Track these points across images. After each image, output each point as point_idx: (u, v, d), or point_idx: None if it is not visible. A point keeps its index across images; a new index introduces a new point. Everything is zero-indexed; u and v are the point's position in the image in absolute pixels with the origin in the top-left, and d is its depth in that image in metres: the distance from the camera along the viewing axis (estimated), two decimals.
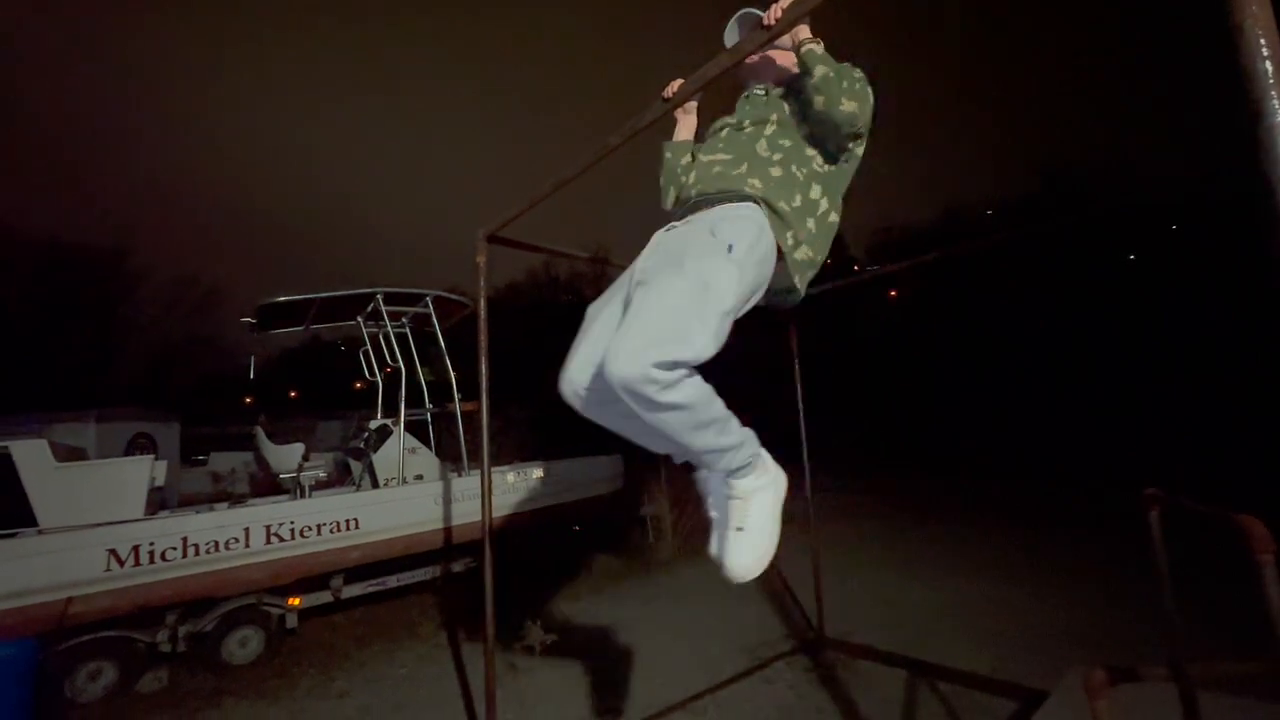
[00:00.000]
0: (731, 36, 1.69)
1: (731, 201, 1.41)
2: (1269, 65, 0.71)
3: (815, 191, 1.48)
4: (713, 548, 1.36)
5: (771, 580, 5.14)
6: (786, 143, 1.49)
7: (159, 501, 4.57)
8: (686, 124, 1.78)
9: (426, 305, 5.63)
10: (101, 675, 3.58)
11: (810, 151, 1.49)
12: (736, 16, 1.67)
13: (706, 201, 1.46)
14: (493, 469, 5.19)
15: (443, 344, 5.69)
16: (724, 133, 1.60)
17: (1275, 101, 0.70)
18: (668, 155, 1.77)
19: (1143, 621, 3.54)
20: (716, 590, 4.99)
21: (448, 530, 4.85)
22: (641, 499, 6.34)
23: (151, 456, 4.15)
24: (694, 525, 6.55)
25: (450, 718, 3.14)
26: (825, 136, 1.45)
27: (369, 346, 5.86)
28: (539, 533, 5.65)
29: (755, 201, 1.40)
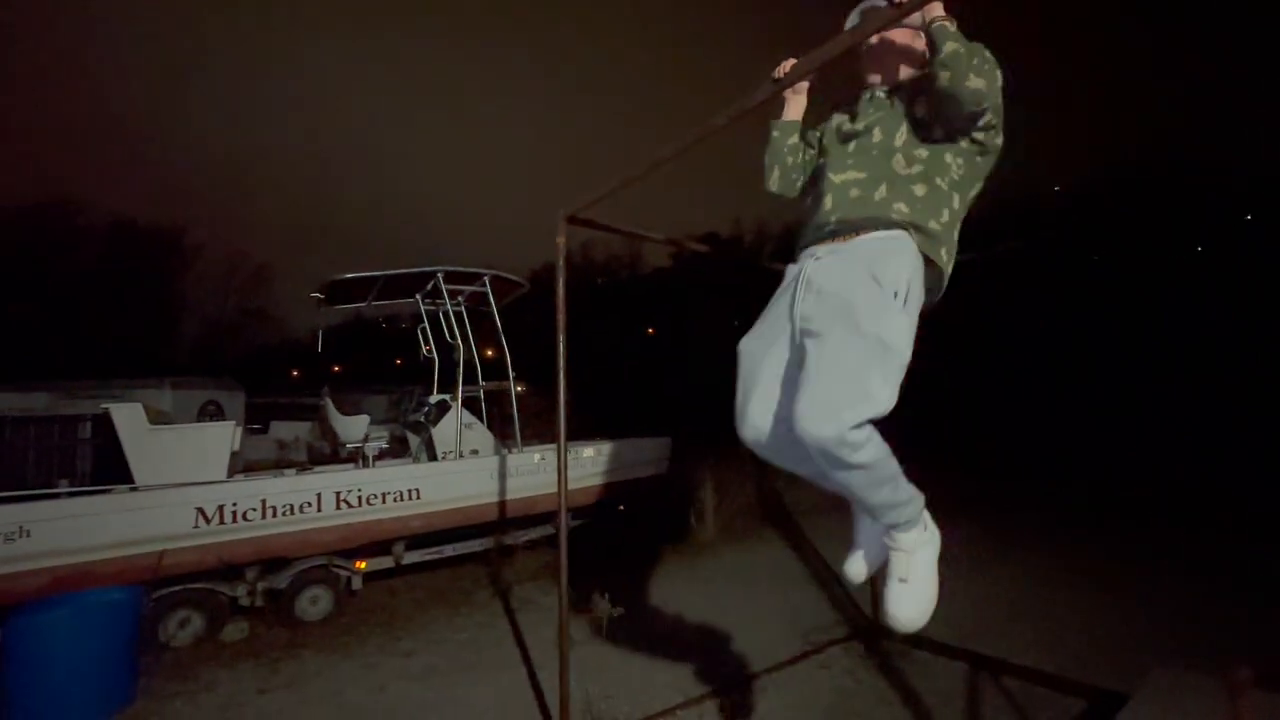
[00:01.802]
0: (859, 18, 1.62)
1: (880, 229, 1.40)
2: None
3: (956, 201, 1.46)
4: (852, 570, 1.50)
5: (816, 566, 5.15)
6: (923, 152, 1.43)
7: (232, 466, 4.84)
8: (796, 104, 1.74)
9: (484, 284, 5.74)
10: (190, 623, 3.84)
11: (949, 158, 1.43)
12: (860, 8, 1.60)
13: (851, 229, 1.43)
14: (545, 448, 5.30)
15: (499, 323, 5.80)
16: (851, 145, 1.53)
17: None
18: (775, 134, 1.74)
19: (1207, 629, 3.43)
20: (763, 574, 5.03)
21: (502, 504, 5.00)
22: (688, 481, 6.39)
23: (233, 423, 4.39)
24: (735, 509, 6.59)
25: (517, 681, 3.26)
26: (954, 120, 1.38)
27: (427, 324, 6.02)
28: (589, 510, 5.76)
29: (904, 228, 1.39)
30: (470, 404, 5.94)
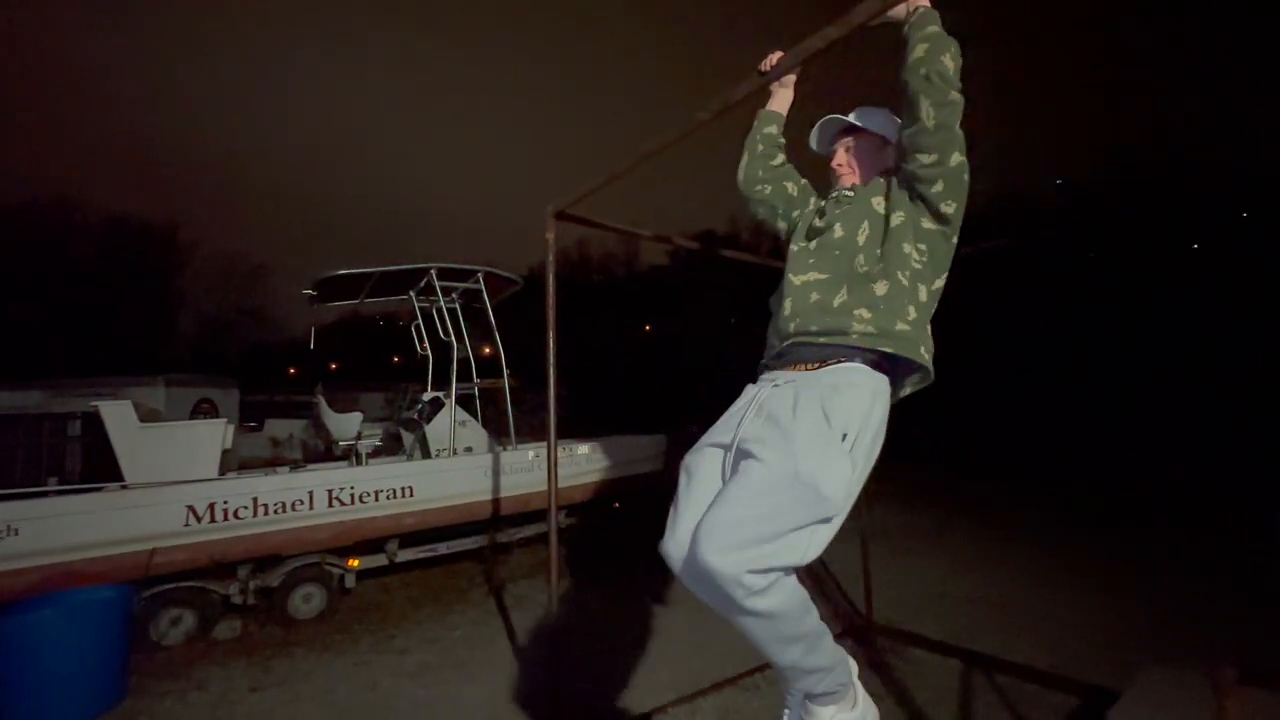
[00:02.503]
0: (814, 139, 1.70)
1: (840, 360, 1.32)
2: None
3: (922, 293, 1.36)
4: None
5: (813, 565, 5.14)
6: (882, 248, 1.36)
7: (225, 464, 4.82)
8: (782, 96, 1.74)
9: (478, 281, 5.72)
10: (182, 621, 3.83)
11: (907, 248, 1.35)
12: (822, 121, 1.64)
13: (810, 352, 1.35)
14: (539, 445, 5.28)
15: (492, 320, 5.79)
16: (814, 244, 1.47)
17: None
18: (756, 122, 1.75)
19: (1202, 625, 3.44)
20: None
21: (496, 501, 4.98)
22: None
23: (225, 420, 4.37)
24: None
25: (510, 678, 3.25)
26: (916, 128, 1.29)
27: (420, 321, 5.99)
28: (583, 508, 5.75)
29: (866, 356, 1.31)
30: (465, 401, 5.92)
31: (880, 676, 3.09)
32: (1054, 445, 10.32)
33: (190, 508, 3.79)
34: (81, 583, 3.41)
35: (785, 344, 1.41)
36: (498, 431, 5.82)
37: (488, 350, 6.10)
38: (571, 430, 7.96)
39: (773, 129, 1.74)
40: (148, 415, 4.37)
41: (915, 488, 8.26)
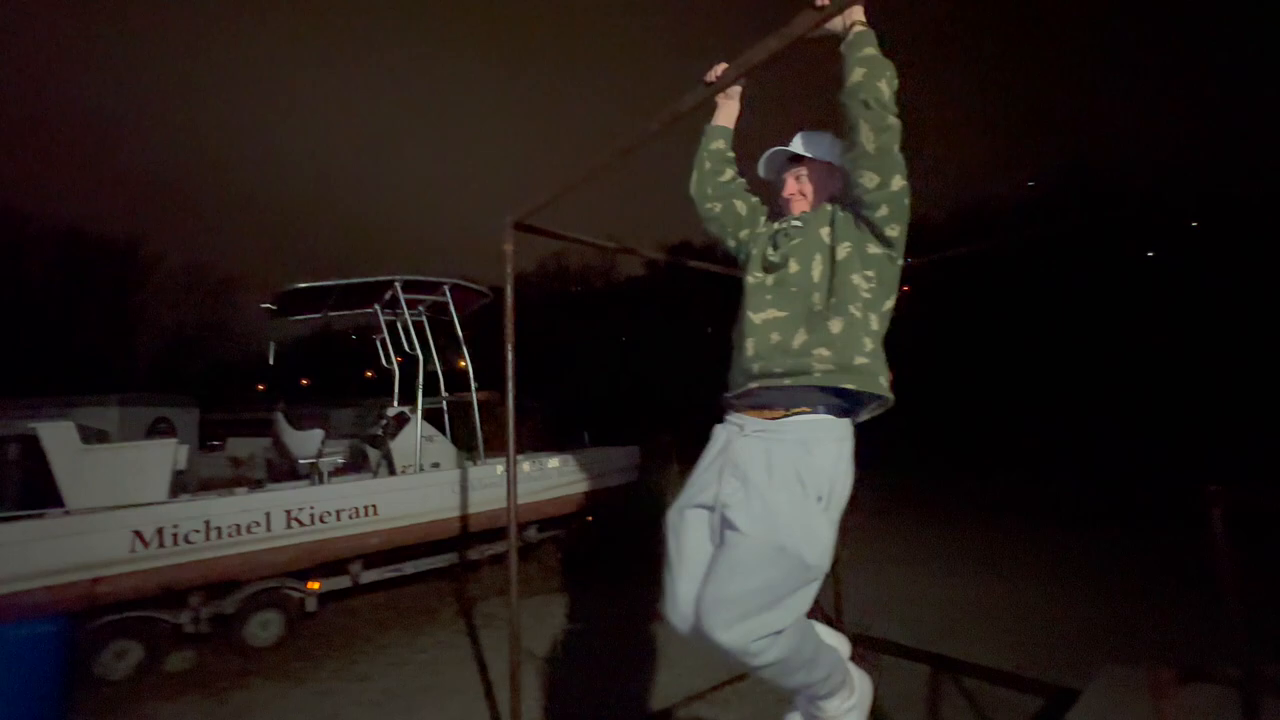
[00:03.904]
0: (763, 168, 1.71)
1: (804, 410, 1.36)
2: None
3: (875, 321, 1.40)
4: None
5: None
6: (834, 280, 1.40)
7: (180, 485, 4.63)
8: (728, 108, 1.74)
9: (445, 294, 5.63)
10: (128, 654, 3.63)
11: (856, 279, 1.39)
12: (769, 153, 1.66)
13: (775, 396, 1.39)
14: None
15: (460, 333, 5.70)
16: (770, 280, 1.50)
17: None
18: (703, 138, 1.76)
19: (1164, 621, 3.51)
20: None
21: (464, 518, 4.87)
22: (659, 490, 6.34)
23: (175, 440, 4.20)
24: None
25: (474, 702, 3.16)
26: (858, 153, 1.33)
27: (386, 334, 5.88)
28: (556, 522, 5.67)
29: (831, 399, 1.36)
30: (433, 416, 5.81)
31: None
32: (1026, 446, 10.55)
33: (137, 533, 3.62)
34: (18, 616, 3.21)
35: (751, 384, 1.44)
36: (468, 446, 5.72)
37: (461, 364, 6.01)
38: (545, 443, 7.88)
39: (720, 144, 1.75)
40: (96, 436, 4.18)
41: (885, 492, 8.35)
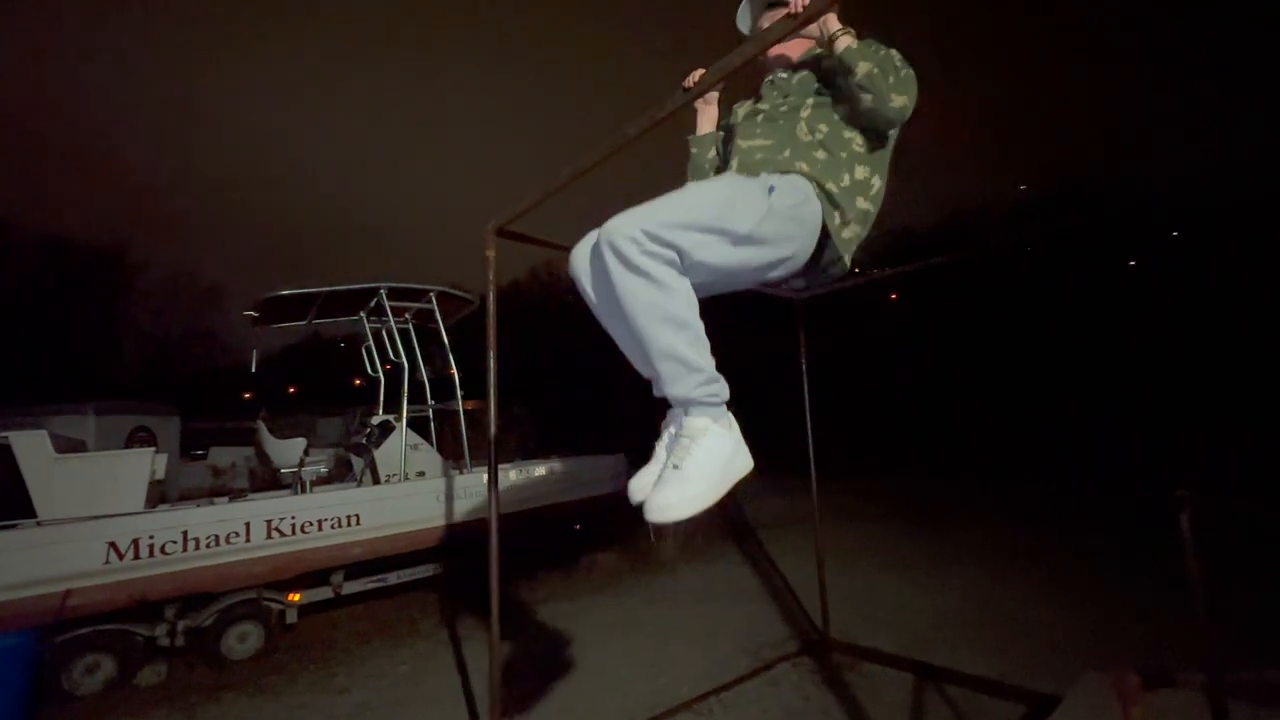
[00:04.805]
0: (744, 18, 1.70)
1: (784, 172, 1.41)
2: None
3: (861, 171, 1.46)
4: (633, 484, 1.28)
5: (773, 581, 5.12)
6: (824, 127, 1.46)
7: (159, 495, 4.54)
8: (708, 115, 1.75)
9: (430, 301, 5.60)
10: (99, 668, 3.54)
11: (848, 134, 1.47)
12: (743, 3, 1.68)
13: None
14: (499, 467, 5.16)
15: (446, 340, 5.66)
16: (759, 118, 1.56)
17: None
18: (694, 151, 1.77)
19: (1150, 626, 3.51)
20: (718, 591, 4.96)
21: (449, 527, 4.82)
22: None
23: (152, 449, 4.12)
24: (694, 525, 6.52)
25: (454, 713, 3.10)
26: (870, 126, 1.44)
27: (371, 342, 5.83)
28: (541, 531, 5.62)
29: (807, 178, 1.39)
30: (419, 425, 5.76)
31: (835, 694, 3.07)
32: (1009, 449, 10.60)
33: (111, 544, 3.54)
34: None
35: None
36: (454, 455, 5.66)
37: (448, 371, 5.97)
38: (536, 451, 7.83)
39: (713, 154, 1.78)
40: (68, 446, 4.10)
41: (872, 500, 8.37)
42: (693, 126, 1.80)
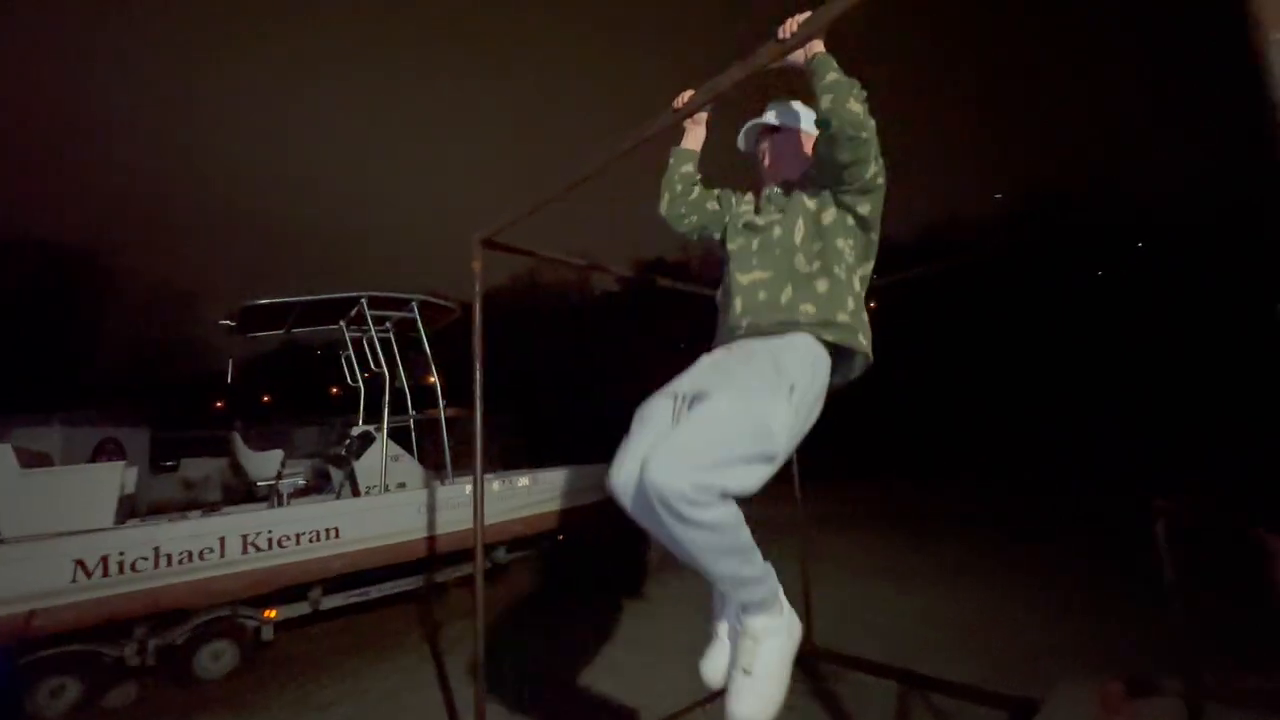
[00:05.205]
0: (744, 140, 1.78)
1: (789, 332, 1.43)
2: None
3: (857, 284, 1.50)
4: (707, 669, 1.40)
5: None
6: (818, 245, 1.49)
7: (129, 509, 4.41)
8: (695, 133, 1.80)
9: (412, 310, 5.55)
10: (64, 692, 3.42)
11: (840, 243, 1.49)
12: (746, 126, 1.74)
13: (760, 334, 1.47)
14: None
15: (428, 349, 5.61)
16: (755, 243, 1.57)
17: None
18: (671, 161, 1.80)
19: (1133, 633, 3.59)
20: (702, 601, 4.97)
21: (432, 539, 4.75)
22: None
23: (122, 462, 4.00)
24: None
25: None
26: (837, 157, 1.42)
27: (351, 351, 5.75)
28: (526, 542, 5.58)
29: (813, 333, 1.42)
30: (400, 435, 5.68)
31: (821, 703, 3.08)
32: (997, 456, 10.78)
33: (79, 561, 3.42)
34: None
35: (737, 336, 1.52)
36: (436, 465, 5.59)
37: (429, 379, 5.90)
38: (519, 462, 7.76)
39: (689, 168, 1.80)
40: (33, 460, 3.96)
41: (854, 505, 8.46)
42: (679, 140, 1.84)
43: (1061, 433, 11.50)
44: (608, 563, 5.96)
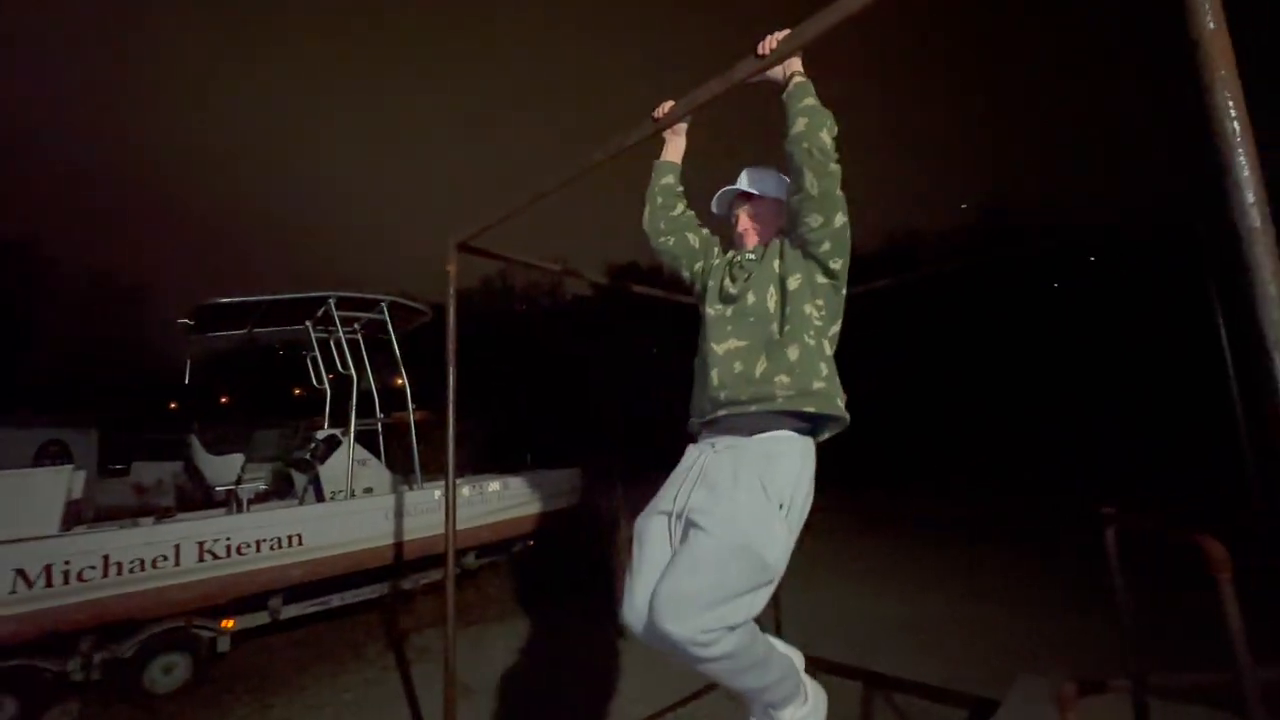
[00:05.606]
0: (717, 205, 1.77)
1: (770, 430, 1.42)
2: (1236, 125, 0.79)
3: (827, 347, 1.51)
4: None
5: None
6: (788, 309, 1.48)
7: (76, 516, 4.20)
8: (675, 144, 1.80)
9: (382, 311, 5.44)
10: (0, 711, 3.23)
11: (808, 310, 1.48)
12: (720, 192, 1.74)
13: (743, 422, 1.45)
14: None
15: (398, 352, 5.50)
16: (729, 310, 1.57)
17: (1242, 158, 0.78)
18: (654, 174, 1.81)
19: (1093, 633, 3.74)
20: None
21: (398, 546, 4.66)
22: (602, 512, 6.28)
23: (69, 466, 3.81)
24: None
25: None
26: (803, 193, 1.43)
27: (318, 353, 5.60)
28: (496, 547, 5.51)
29: (794, 421, 1.43)
30: (368, 438, 5.56)
31: None
32: (969, 463, 11.06)
33: (19, 571, 3.24)
34: None
35: (718, 412, 1.50)
36: (405, 470, 5.48)
37: (398, 382, 5.79)
38: (489, 466, 7.65)
39: (670, 179, 1.80)
40: None
41: (824, 511, 8.59)
42: (659, 152, 1.85)
43: (1027, 441, 11.88)
44: (578, 567, 5.93)
